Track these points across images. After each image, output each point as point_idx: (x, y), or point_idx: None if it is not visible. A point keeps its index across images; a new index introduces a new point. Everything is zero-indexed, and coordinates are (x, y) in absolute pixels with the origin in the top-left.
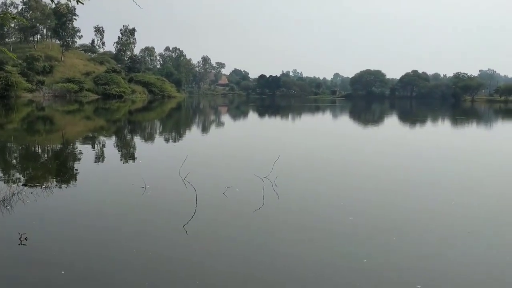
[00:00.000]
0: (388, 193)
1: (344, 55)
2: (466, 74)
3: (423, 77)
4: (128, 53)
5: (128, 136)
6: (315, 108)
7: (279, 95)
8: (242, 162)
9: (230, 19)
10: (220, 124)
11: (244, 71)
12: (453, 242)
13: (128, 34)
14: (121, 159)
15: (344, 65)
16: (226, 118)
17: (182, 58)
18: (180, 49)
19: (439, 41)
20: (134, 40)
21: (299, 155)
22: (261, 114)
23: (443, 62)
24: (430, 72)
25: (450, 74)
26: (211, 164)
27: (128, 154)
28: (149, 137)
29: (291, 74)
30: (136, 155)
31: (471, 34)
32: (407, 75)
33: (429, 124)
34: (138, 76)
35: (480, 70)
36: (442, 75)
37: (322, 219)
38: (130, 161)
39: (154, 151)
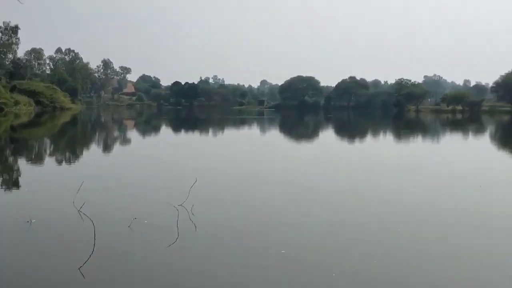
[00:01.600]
0: (325, 223)
1: (272, 60)
2: (410, 81)
3: (361, 84)
4: (10, 56)
5: (10, 158)
6: (240, 121)
7: (198, 106)
8: (152, 188)
9: (135, 17)
10: (125, 142)
11: (154, 77)
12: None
13: (9, 32)
14: (1, 187)
15: (272, 71)
16: (132, 134)
17: (77, 61)
18: (75, 51)
19: (378, 42)
20: (17, 40)
21: (219, 178)
22: (176, 129)
23: (384, 68)
24: (369, 78)
25: (392, 80)
26: (113, 191)
27: (10, 180)
28: (36, 159)
29: (211, 81)
30: (20, 181)
31: (414, 36)
32: (343, 82)
33: (369, 139)
34: (23, 84)
35: (425, 76)
36: (383, 82)
37: (247, 253)
38: (13, 189)
39: (42, 176)
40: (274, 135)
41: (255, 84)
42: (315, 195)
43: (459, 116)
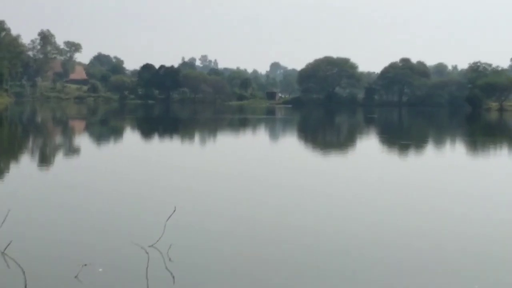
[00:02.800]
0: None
1: (287, 35)
2: (490, 65)
3: (419, 69)
4: None
5: None
6: (240, 123)
7: (179, 100)
8: (111, 221)
9: None
10: (71, 153)
11: (115, 57)
12: None
13: None
14: None
15: (287, 50)
16: (82, 142)
17: (2, 34)
18: None
19: (440, 9)
20: None
21: (207, 207)
22: (145, 135)
23: (452, 47)
24: (430, 62)
25: (464, 65)
26: (54, 225)
27: None
28: None
29: (198, 64)
30: None
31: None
32: (392, 67)
33: (432, 158)
34: None
35: None
36: (450, 67)
37: None
38: None
39: None
40: (286, 145)
41: (263, 69)
42: (338, 244)
43: None
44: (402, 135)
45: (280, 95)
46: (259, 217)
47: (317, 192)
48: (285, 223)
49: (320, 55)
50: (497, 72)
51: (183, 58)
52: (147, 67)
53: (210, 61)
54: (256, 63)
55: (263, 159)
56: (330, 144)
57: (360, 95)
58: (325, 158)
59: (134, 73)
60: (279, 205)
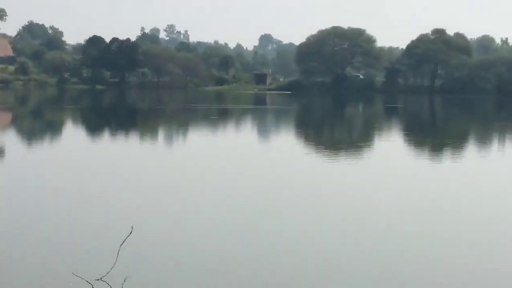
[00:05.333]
0: None
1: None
2: None
3: (457, 44)
4: None
5: None
6: (218, 116)
7: (137, 85)
8: (47, 246)
9: None
10: None
11: (51, 27)
12: None
13: None
14: None
15: (282, 19)
16: (6, 141)
17: None
18: None
19: None
20: None
21: (172, 230)
22: (91, 134)
23: (499, 14)
24: (472, 34)
25: None
26: None
27: None
28: None
29: (163, 36)
30: None
31: None
32: (421, 40)
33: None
34: None
35: None
36: (499, 41)
37: None
38: None
39: None
40: (278, 146)
41: (250, 44)
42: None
43: None
44: (435, 133)
45: (271, 78)
46: (238, 242)
47: (312, 218)
48: (269, 255)
49: (326, 25)
50: None
51: (142, 29)
52: (94, 41)
53: (179, 33)
54: (240, 35)
55: (246, 167)
56: (338, 145)
57: (379, 78)
58: (331, 165)
59: (77, 48)
60: (265, 232)
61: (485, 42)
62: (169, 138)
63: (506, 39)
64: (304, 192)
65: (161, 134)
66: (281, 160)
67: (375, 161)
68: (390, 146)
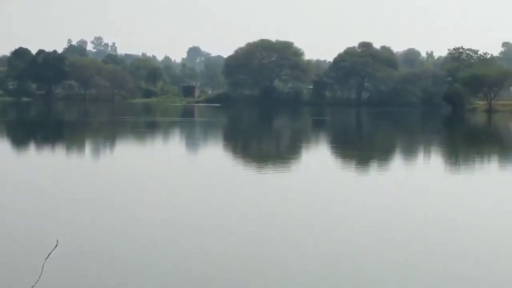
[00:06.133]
0: None
1: (211, 12)
2: (476, 52)
3: (383, 57)
4: None
5: None
6: (148, 128)
7: (64, 97)
8: None
9: None
10: None
11: None
12: None
13: None
14: None
15: (211, 31)
16: None
17: None
18: None
19: None
20: None
21: (101, 240)
22: (15, 146)
23: (426, 29)
24: (399, 47)
25: (442, 52)
26: None
27: None
28: None
29: (90, 48)
30: None
31: None
32: (348, 53)
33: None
34: None
35: (505, 45)
36: (424, 55)
37: None
38: None
39: None
40: (206, 159)
41: (178, 56)
42: None
43: None
44: (360, 145)
45: (200, 90)
46: (164, 257)
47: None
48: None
49: (254, 37)
50: (484, 61)
51: (69, 41)
52: (20, 53)
53: (106, 45)
54: (168, 48)
55: (173, 180)
56: (264, 158)
57: (307, 90)
58: (257, 178)
59: (3, 60)
60: (189, 249)
61: (411, 56)
62: (95, 151)
63: (432, 52)
64: (225, 206)
65: (87, 147)
66: (207, 172)
67: (301, 173)
68: (316, 158)
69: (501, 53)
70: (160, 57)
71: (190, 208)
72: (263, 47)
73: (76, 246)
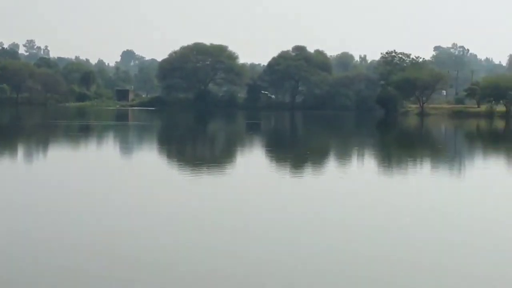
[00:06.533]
0: None
1: (144, 15)
2: (409, 56)
3: (317, 61)
4: None
5: None
6: (81, 131)
7: None
8: None
9: None
10: None
11: None
12: None
13: None
14: None
15: (144, 35)
16: None
17: None
18: None
19: None
20: None
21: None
22: None
23: (360, 32)
24: (332, 51)
25: (375, 55)
26: None
27: None
28: None
29: (22, 51)
30: None
31: None
32: (282, 57)
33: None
34: None
35: (437, 48)
36: (357, 59)
37: None
38: None
39: None
40: (143, 163)
41: (112, 60)
42: None
43: (500, 123)
44: (294, 149)
45: (134, 94)
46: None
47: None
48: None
49: (188, 41)
50: (417, 64)
51: (1, 44)
52: None
53: (39, 48)
54: (102, 51)
55: (106, 183)
56: (197, 162)
57: (242, 94)
58: (191, 181)
59: None
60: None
61: (345, 59)
62: (27, 155)
63: (365, 56)
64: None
65: (18, 151)
66: (139, 175)
67: (234, 178)
68: (251, 162)
69: (433, 56)
70: (93, 61)
71: (114, 210)
72: (198, 50)
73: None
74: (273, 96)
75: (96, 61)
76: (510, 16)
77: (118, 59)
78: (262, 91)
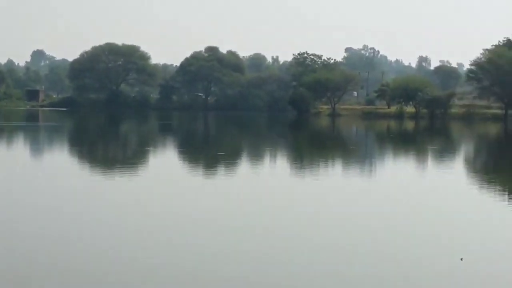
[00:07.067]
0: None
1: (54, 14)
2: (321, 58)
3: (230, 61)
4: None
5: None
6: None
7: None
8: None
9: None
10: None
11: None
12: None
13: None
14: None
15: (54, 34)
16: None
17: None
18: None
19: None
20: None
21: None
22: None
23: (272, 35)
24: (243, 52)
25: (288, 57)
26: None
27: None
28: None
29: None
30: None
31: None
32: (196, 57)
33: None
34: None
35: (348, 50)
36: (270, 60)
37: None
38: None
39: None
40: (53, 164)
41: (22, 59)
42: None
43: (409, 124)
44: (205, 149)
45: (45, 95)
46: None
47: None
48: None
49: (100, 41)
50: (328, 66)
51: None
52: None
53: None
54: (11, 51)
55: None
56: (111, 163)
57: (154, 95)
58: (103, 182)
59: None
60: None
61: (257, 60)
62: None
63: (277, 57)
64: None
65: None
66: (49, 176)
67: (147, 178)
68: (162, 162)
69: (344, 58)
70: (2, 60)
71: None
72: (109, 50)
73: None
74: (203, 96)
75: (5, 61)
76: (419, 18)
77: (28, 59)
78: (196, 93)
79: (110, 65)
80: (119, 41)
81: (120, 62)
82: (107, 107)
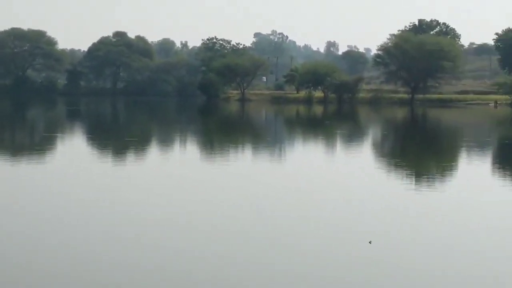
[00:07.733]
0: None
1: None
2: (230, 43)
3: (139, 47)
4: None
5: None
6: None
7: None
8: None
9: None
10: None
11: None
12: None
13: None
14: None
15: None
16: None
17: None
18: None
19: None
20: None
21: None
22: None
23: (178, 19)
24: (154, 37)
25: (197, 42)
26: None
27: None
28: None
29: None
30: None
31: None
32: (103, 42)
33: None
34: None
35: (257, 35)
36: (179, 45)
37: None
38: None
39: None
40: None
41: None
42: None
43: (318, 109)
44: (114, 135)
45: None
46: None
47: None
48: None
49: (5, 26)
50: (237, 51)
51: None
52: None
53: None
54: None
55: None
56: (11, 149)
57: (62, 80)
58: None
59: None
60: None
61: (166, 46)
62: None
63: (186, 42)
64: None
65: None
66: None
67: (57, 165)
68: (72, 149)
69: (253, 43)
70: None
71: None
72: (15, 35)
73: None
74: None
75: None
76: (328, 4)
77: None
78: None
79: (16, 50)
80: (25, 26)
81: (26, 47)
82: (13, 93)
